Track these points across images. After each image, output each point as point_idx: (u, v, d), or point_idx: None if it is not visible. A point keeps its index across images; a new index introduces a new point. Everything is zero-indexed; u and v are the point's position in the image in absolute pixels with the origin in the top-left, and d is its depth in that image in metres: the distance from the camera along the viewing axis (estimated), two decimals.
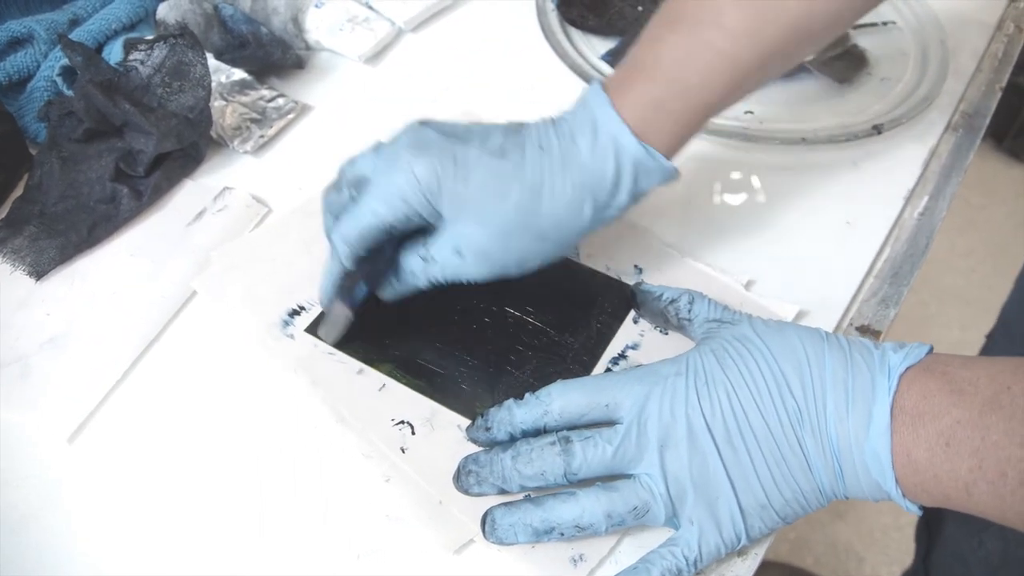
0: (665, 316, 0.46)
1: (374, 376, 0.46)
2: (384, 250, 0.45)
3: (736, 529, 0.37)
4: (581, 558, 0.39)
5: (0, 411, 0.45)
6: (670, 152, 0.45)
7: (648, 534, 0.40)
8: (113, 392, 0.46)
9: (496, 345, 0.47)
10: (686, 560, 0.37)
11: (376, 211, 0.42)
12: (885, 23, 0.69)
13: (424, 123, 0.44)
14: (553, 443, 0.39)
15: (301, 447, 0.43)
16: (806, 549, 1.25)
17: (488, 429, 0.41)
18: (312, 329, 0.48)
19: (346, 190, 0.44)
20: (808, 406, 0.37)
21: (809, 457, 0.37)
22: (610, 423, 0.39)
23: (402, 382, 0.45)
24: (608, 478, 0.39)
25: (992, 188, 1.82)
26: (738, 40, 0.43)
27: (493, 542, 0.38)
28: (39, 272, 0.50)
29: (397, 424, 0.44)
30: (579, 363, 0.47)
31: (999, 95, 0.68)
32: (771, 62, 0.45)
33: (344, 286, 0.45)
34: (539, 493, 0.39)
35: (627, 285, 0.50)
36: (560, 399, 0.40)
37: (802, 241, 0.54)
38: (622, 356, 0.47)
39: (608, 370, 0.46)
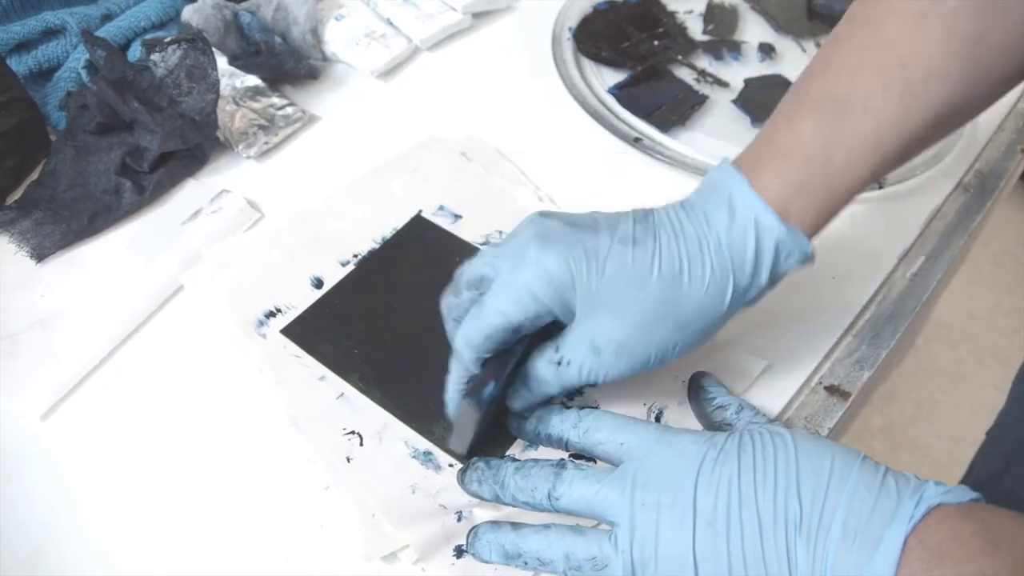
0: (709, 418, 0.44)
1: (335, 384, 0.47)
2: (513, 350, 0.43)
3: None
4: None
5: None
6: (810, 235, 0.42)
7: None
8: (91, 376, 0.48)
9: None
10: None
11: (503, 310, 0.40)
12: None
13: (545, 215, 0.42)
14: (553, 465, 0.40)
15: (255, 446, 0.45)
16: None
17: (524, 418, 0.44)
18: (445, 441, 0.45)
19: (465, 292, 0.43)
20: (812, 515, 0.34)
21: (795, 569, 0.34)
22: (617, 465, 0.40)
23: (364, 393, 0.46)
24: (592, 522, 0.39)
25: None
26: (885, 127, 0.41)
27: (471, 554, 0.40)
28: (40, 255, 0.53)
29: (347, 434, 0.45)
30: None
31: (1021, 157, 0.66)
32: (912, 148, 0.43)
33: (471, 390, 0.43)
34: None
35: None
36: (590, 421, 0.42)
37: (781, 293, 0.53)
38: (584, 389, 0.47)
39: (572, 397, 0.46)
